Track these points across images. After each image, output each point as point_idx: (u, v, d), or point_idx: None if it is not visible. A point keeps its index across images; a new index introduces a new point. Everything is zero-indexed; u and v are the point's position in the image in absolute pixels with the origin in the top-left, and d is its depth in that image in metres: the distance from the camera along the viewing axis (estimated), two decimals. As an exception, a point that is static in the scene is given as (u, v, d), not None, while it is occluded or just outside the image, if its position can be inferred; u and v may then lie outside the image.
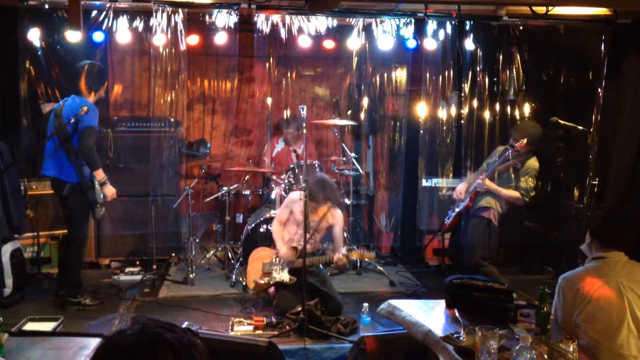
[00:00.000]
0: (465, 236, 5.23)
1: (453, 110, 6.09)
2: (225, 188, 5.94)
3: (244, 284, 5.49)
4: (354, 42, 5.78)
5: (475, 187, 5.09)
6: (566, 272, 2.92)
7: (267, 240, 5.37)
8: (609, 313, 2.70)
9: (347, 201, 6.36)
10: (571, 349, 2.53)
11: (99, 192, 4.89)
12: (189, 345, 1.27)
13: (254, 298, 5.18)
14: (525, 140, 4.85)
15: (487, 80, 5.90)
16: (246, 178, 6.23)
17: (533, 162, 5.00)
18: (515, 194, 5.00)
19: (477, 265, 5.00)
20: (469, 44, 5.75)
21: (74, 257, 4.99)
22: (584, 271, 2.87)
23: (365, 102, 6.75)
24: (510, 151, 4.94)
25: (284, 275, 4.78)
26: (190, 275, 5.68)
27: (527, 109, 6.03)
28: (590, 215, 3.09)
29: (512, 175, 5.04)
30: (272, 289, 4.93)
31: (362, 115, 6.77)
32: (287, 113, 6.69)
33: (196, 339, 1.31)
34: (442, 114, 6.07)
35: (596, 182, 5.35)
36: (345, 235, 5.97)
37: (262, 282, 4.84)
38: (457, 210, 5.33)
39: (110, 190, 4.93)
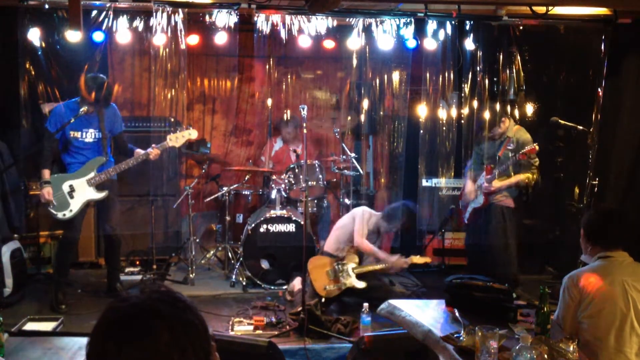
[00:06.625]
0: (488, 225, 5.33)
1: (453, 110, 6.09)
2: (225, 188, 5.94)
3: (244, 283, 5.51)
4: (354, 42, 5.77)
5: (483, 189, 5.18)
6: (571, 272, 2.92)
7: (267, 240, 5.47)
8: (612, 311, 2.70)
9: (347, 201, 6.36)
10: (571, 348, 2.53)
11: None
12: (186, 323, 1.21)
13: (254, 298, 5.19)
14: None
15: (487, 80, 5.89)
16: (246, 178, 6.23)
17: (524, 135, 5.17)
18: (521, 177, 5.15)
19: (504, 247, 5.20)
20: (469, 44, 5.74)
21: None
22: (589, 269, 2.86)
23: (365, 102, 6.74)
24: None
25: (354, 282, 4.99)
26: (190, 275, 5.68)
27: (527, 108, 6.03)
28: (582, 219, 3.04)
29: (511, 167, 5.19)
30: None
31: (362, 116, 6.76)
32: (287, 114, 6.69)
33: (197, 317, 1.25)
34: (442, 114, 6.06)
35: (596, 182, 5.35)
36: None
37: (333, 288, 4.96)
38: (473, 207, 5.42)
39: None
